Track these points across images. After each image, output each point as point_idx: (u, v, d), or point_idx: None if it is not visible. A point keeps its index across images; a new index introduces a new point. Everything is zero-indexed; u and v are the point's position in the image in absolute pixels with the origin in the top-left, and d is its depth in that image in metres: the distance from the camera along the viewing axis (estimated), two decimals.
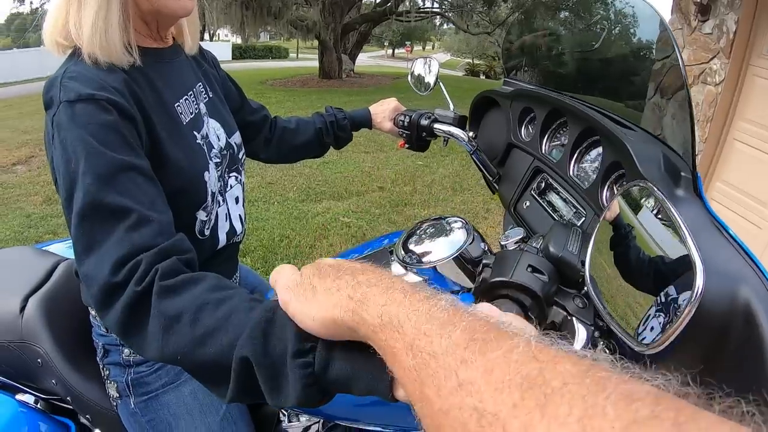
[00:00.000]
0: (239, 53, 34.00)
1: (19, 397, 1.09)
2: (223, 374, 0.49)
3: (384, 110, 1.32)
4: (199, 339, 0.50)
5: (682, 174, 0.67)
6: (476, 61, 40.50)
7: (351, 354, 0.44)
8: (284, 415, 1.05)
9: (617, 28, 1.04)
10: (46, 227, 3.52)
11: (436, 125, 1.28)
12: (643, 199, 0.61)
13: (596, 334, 0.67)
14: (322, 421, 1.05)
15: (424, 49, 64.45)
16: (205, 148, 0.88)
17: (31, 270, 1.19)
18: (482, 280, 0.69)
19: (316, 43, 15.35)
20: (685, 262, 0.51)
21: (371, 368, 0.42)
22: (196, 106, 0.90)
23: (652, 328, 0.54)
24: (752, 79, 3.20)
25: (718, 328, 0.57)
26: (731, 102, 3.29)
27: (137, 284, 0.55)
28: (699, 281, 0.49)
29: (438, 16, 19.65)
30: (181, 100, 0.85)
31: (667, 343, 0.50)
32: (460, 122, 1.29)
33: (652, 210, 0.59)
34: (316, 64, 16.17)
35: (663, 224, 0.57)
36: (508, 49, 1.45)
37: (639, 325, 0.56)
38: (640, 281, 0.61)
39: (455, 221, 1.08)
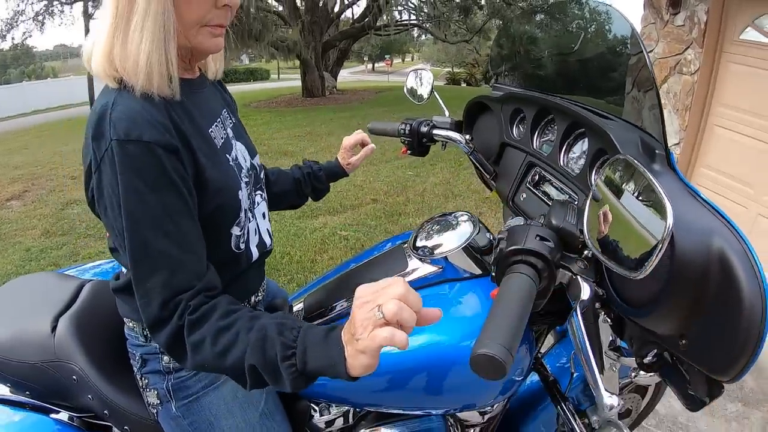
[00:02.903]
0: (224, 75, 34.08)
1: (53, 416, 1.13)
2: (240, 375, 0.74)
3: (343, 152, 1.41)
4: (219, 355, 0.73)
5: (657, 152, 0.78)
6: (456, 70, 40.92)
7: (319, 354, 0.68)
8: (315, 410, 1.10)
9: (592, 31, 1.13)
10: (47, 260, 3.55)
11: (435, 131, 1.39)
12: (623, 172, 0.71)
13: (597, 289, 0.78)
14: (351, 410, 1.10)
15: (403, 61, 65.01)
16: (236, 169, 0.94)
17: (57, 292, 1.23)
18: (499, 250, 0.77)
19: (297, 62, 15.46)
20: (659, 208, 0.61)
21: (334, 366, 0.67)
22: (225, 131, 0.96)
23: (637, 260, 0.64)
24: (726, 65, 3.33)
25: (699, 277, 0.66)
26: (708, 89, 3.41)
27: (179, 319, 0.75)
28: (669, 218, 0.58)
29: (416, 28, 19.92)
30: (213, 126, 0.92)
31: (650, 269, 0.60)
32: (456, 127, 1.40)
33: (631, 180, 0.69)
34: (298, 83, 16.29)
35: (639, 189, 0.67)
36: (495, 57, 1.55)
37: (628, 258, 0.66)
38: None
39: (461, 215, 1.17)
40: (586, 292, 0.76)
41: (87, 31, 15.11)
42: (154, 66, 0.78)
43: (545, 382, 1.25)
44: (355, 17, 17.81)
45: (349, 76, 35.74)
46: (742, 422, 2.24)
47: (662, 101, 3.54)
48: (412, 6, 17.00)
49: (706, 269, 0.66)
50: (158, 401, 1.00)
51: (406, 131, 1.40)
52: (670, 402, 2.32)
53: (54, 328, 1.12)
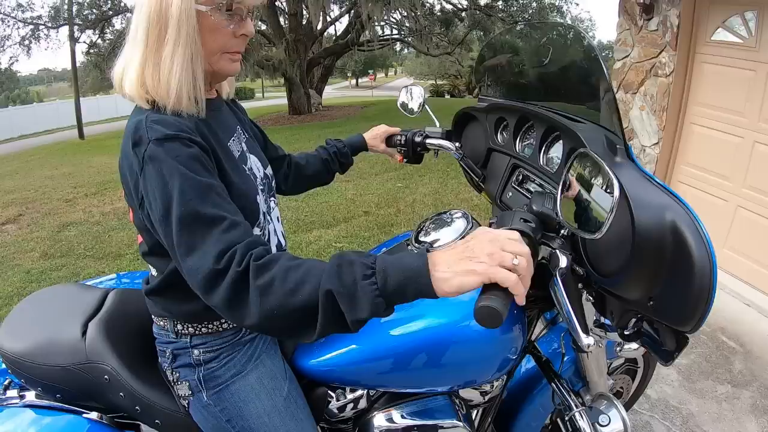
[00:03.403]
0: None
1: (85, 415, 1.19)
2: (310, 315, 0.72)
3: (376, 135, 1.56)
4: (290, 292, 0.71)
5: (618, 146, 0.92)
6: (439, 82, 41.39)
7: (402, 268, 0.69)
8: (332, 396, 1.19)
9: (561, 46, 1.29)
10: (48, 281, 3.59)
11: (428, 140, 1.53)
12: (590, 165, 0.84)
13: (573, 260, 0.93)
14: (365, 395, 1.20)
15: (386, 75, 65.51)
16: (252, 177, 1.06)
17: (83, 300, 1.31)
18: None
19: (281, 81, 15.61)
20: (610, 185, 0.74)
21: (416, 279, 0.68)
22: (240, 145, 1.08)
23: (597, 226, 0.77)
24: (700, 65, 3.48)
25: (657, 246, 0.80)
26: (683, 89, 3.56)
27: (238, 266, 0.74)
28: (616, 191, 0.72)
29: (398, 42, 20.18)
30: (230, 141, 1.03)
31: (604, 229, 0.73)
32: (447, 136, 1.53)
33: (594, 169, 0.82)
34: (283, 101, 16.44)
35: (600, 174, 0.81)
36: (479, 72, 1.68)
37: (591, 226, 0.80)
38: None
39: (455, 212, 1.30)
40: (563, 262, 0.88)
41: (73, 54, 15.17)
42: (183, 89, 0.89)
43: (539, 363, 1.35)
44: (338, 34, 18.05)
45: (333, 92, 36.04)
46: (732, 402, 2.34)
47: (640, 103, 3.70)
48: (394, 21, 17.26)
49: (662, 239, 0.79)
50: (190, 392, 1.08)
51: (402, 142, 1.54)
52: (662, 387, 2.43)
53: (84, 333, 1.20)
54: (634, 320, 0.94)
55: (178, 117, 0.89)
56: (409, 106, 1.63)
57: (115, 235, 4.60)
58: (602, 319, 1.10)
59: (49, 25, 14.92)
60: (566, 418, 1.25)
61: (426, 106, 1.59)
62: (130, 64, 0.91)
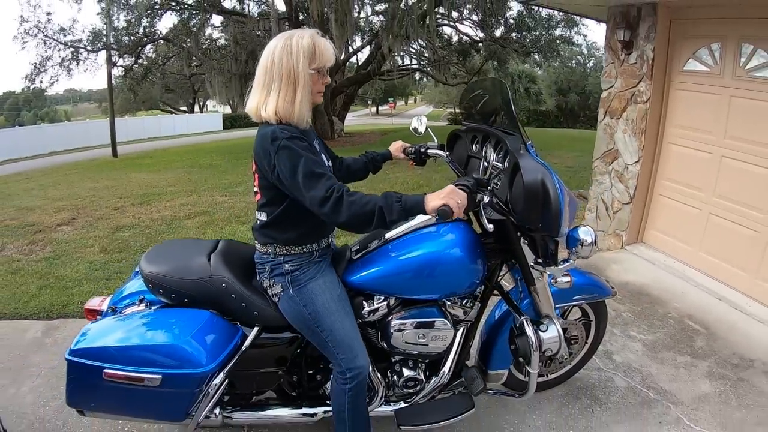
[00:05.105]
0: (230, 123, 34.64)
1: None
2: (370, 217, 1.52)
3: (397, 148, 2.31)
4: (362, 206, 1.52)
5: (521, 145, 1.65)
6: (457, 110, 42.16)
7: (413, 200, 1.55)
8: (365, 303, 1.86)
9: (496, 92, 2.07)
10: (111, 270, 4.17)
11: (429, 151, 2.27)
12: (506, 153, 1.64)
13: (494, 199, 1.70)
14: (387, 302, 1.87)
15: (406, 103, 66.70)
16: (325, 162, 1.75)
17: (202, 244, 1.99)
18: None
19: None
20: (514, 164, 1.54)
21: (418, 204, 1.54)
22: (317, 145, 1.78)
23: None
24: (675, 92, 4.01)
25: (536, 192, 1.53)
26: (660, 114, 4.08)
27: (337, 193, 1.52)
28: (511, 158, 1.52)
29: (417, 72, 20.99)
30: (314, 142, 1.74)
31: (507, 183, 1.57)
32: (441, 147, 2.29)
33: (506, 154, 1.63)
34: None
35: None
36: (461, 106, 2.56)
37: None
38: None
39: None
40: (486, 198, 1.64)
41: (110, 77, 15.99)
42: (303, 114, 1.65)
43: (503, 296, 2.01)
44: (360, 63, 18.90)
45: (354, 119, 36.98)
46: (690, 369, 2.76)
47: (623, 127, 4.24)
48: (414, 51, 18.05)
49: (537, 189, 1.52)
50: (281, 290, 1.76)
51: (412, 152, 2.27)
52: (627, 354, 2.90)
53: (209, 259, 1.86)
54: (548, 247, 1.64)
55: (295, 128, 1.62)
56: (419, 129, 2.37)
57: (166, 237, 5.16)
58: (538, 260, 1.77)
59: (89, 48, 15.71)
60: (516, 325, 1.82)
61: (429, 129, 2.33)
62: (267, 101, 1.63)
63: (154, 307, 1.84)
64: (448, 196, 1.50)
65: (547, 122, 28.85)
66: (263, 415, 1.93)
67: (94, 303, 1.96)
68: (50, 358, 2.80)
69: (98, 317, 1.89)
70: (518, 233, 1.77)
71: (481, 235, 1.80)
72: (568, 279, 1.76)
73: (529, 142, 1.68)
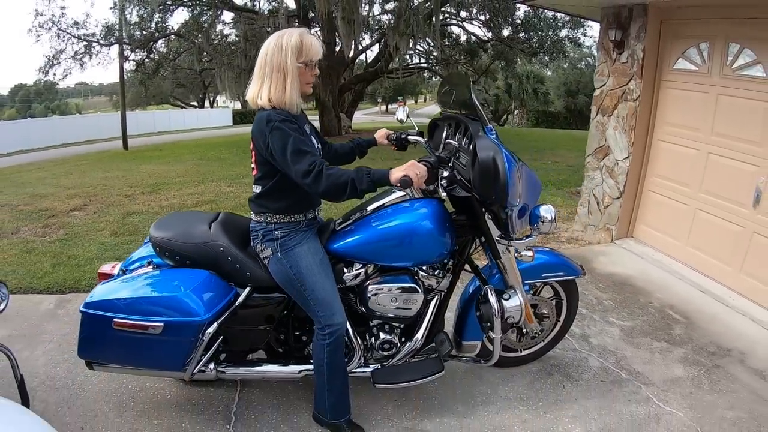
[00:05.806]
0: (239, 118, 34.50)
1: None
2: (344, 188, 1.79)
3: (381, 136, 2.51)
4: (337, 178, 1.79)
5: (481, 128, 1.85)
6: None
7: (379, 173, 1.82)
8: (345, 269, 2.06)
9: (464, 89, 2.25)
10: (121, 251, 4.36)
11: (409, 137, 2.45)
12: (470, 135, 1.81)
13: (458, 175, 1.93)
14: (366, 269, 2.08)
15: (416, 102, 66.68)
16: (314, 144, 1.95)
17: (204, 216, 2.20)
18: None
19: (312, 104, 16.56)
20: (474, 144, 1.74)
21: (384, 176, 1.81)
22: (307, 129, 1.98)
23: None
24: (665, 91, 4.13)
25: (486, 171, 1.76)
26: (650, 111, 4.21)
27: (318, 167, 1.78)
28: (473, 141, 1.69)
29: (426, 71, 21.10)
30: (304, 125, 1.95)
31: (467, 161, 1.75)
32: (419, 134, 2.48)
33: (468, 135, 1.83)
34: (315, 123, 17.28)
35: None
36: (439, 98, 2.70)
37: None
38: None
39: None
40: (445, 173, 1.86)
41: (122, 71, 16.23)
42: (294, 102, 1.90)
43: (474, 270, 2.22)
44: (369, 61, 19.05)
45: (363, 117, 37.08)
46: (665, 354, 2.89)
47: (614, 124, 4.38)
48: (422, 50, 18.18)
49: (489, 164, 1.72)
50: (270, 253, 1.98)
51: (394, 138, 2.45)
52: (603, 338, 3.04)
53: (210, 227, 2.09)
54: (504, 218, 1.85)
55: (287, 112, 1.86)
56: (400, 117, 2.57)
57: None
58: (502, 235, 1.97)
59: (102, 42, 15.85)
60: (480, 293, 2.01)
61: (410, 118, 2.55)
62: (262, 90, 1.88)
63: (159, 269, 2.06)
64: (409, 168, 1.77)
65: (557, 123, 28.80)
66: (253, 370, 2.16)
67: (106, 268, 2.21)
68: (62, 326, 3.01)
69: (110, 279, 2.10)
70: (483, 209, 1.96)
71: (453, 213, 1.98)
72: (530, 254, 1.93)
73: (489, 126, 1.86)
